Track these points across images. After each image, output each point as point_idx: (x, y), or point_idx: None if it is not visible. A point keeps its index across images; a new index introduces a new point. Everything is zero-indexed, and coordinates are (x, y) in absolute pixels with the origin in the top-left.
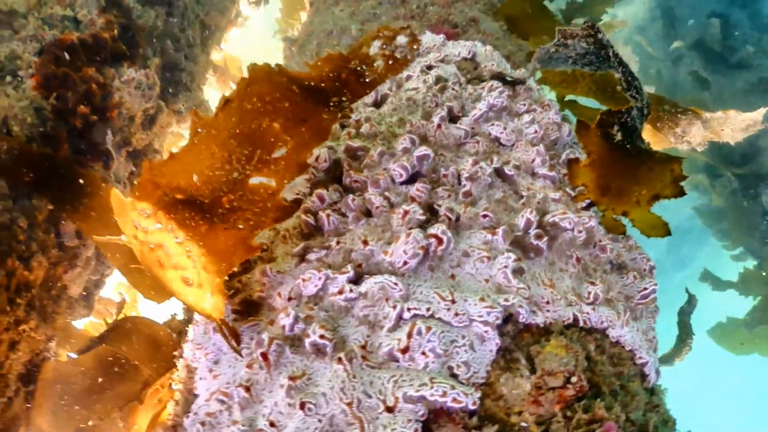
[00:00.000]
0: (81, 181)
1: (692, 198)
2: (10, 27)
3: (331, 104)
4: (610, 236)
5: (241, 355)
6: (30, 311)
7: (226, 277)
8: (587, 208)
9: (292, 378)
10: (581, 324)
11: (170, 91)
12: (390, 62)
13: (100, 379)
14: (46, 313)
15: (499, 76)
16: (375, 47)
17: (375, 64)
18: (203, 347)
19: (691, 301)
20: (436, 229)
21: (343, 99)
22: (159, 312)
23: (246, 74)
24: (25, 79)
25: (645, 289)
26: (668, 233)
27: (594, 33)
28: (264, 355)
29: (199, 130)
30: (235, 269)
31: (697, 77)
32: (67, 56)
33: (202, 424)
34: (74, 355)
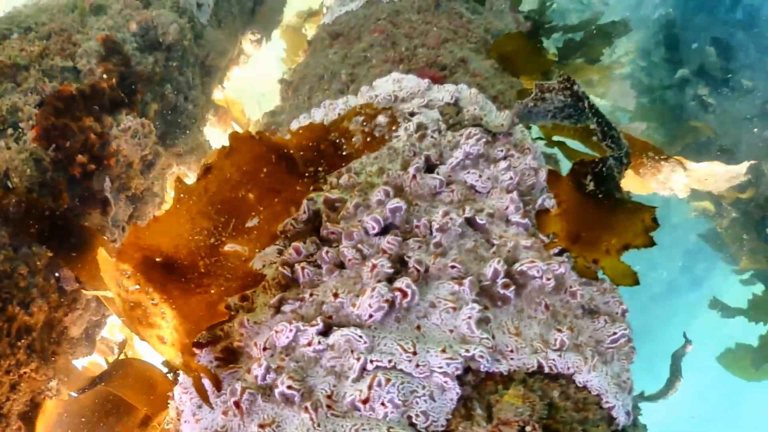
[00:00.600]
0: (80, 233)
1: (700, 223)
2: (13, 80)
3: (307, 174)
4: (582, 281)
5: (211, 406)
6: (31, 354)
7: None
8: (560, 253)
9: (261, 425)
10: (546, 370)
11: (170, 133)
12: (368, 139)
13: (98, 418)
14: (46, 355)
15: (479, 125)
16: (355, 123)
17: (353, 139)
18: (188, 392)
19: (686, 346)
20: (401, 282)
21: (320, 169)
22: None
23: (229, 141)
24: (26, 131)
25: (615, 333)
26: (637, 282)
27: (570, 86)
28: (236, 404)
29: (182, 195)
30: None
31: (701, 102)
32: (66, 107)
33: None
34: (75, 394)
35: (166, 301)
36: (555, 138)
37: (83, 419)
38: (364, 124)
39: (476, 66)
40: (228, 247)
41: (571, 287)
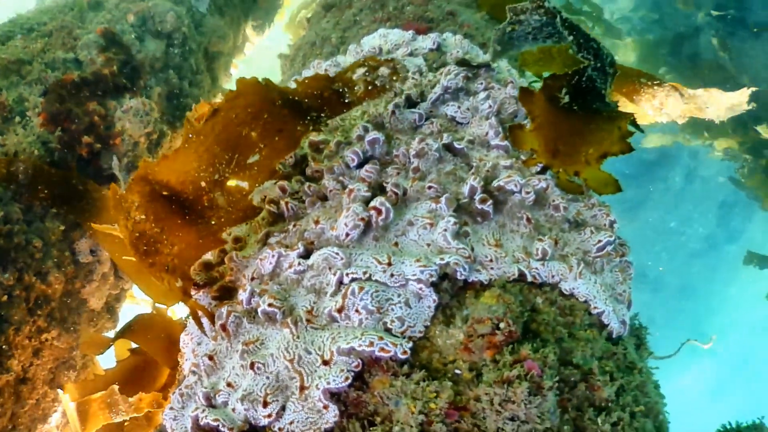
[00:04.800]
0: (89, 192)
1: (728, 167)
2: (18, 74)
3: (309, 118)
4: (569, 197)
5: (203, 331)
6: (51, 322)
7: (203, 270)
8: (542, 171)
9: (246, 343)
10: (530, 279)
11: (177, 117)
12: (369, 88)
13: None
14: (67, 324)
15: (464, 63)
16: (359, 73)
17: (356, 88)
18: (190, 333)
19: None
20: (376, 201)
21: (322, 114)
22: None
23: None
24: (32, 118)
25: (599, 241)
26: (619, 189)
27: (542, 4)
28: (223, 327)
29: (190, 135)
30: (213, 260)
31: (717, 44)
32: (70, 94)
33: (181, 395)
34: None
35: (170, 231)
36: (546, 75)
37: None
38: (367, 74)
39: (465, 18)
40: (231, 183)
41: (554, 201)
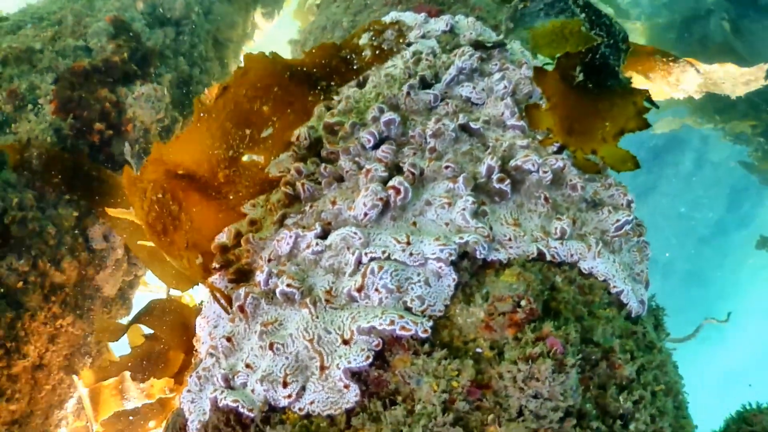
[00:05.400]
0: (102, 177)
1: (739, 151)
2: (29, 62)
3: (319, 88)
4: (586, 176)
5: (227, 310)
6: (65, 308)
7: (219, 252)
8: (559, 151)
9: (264, 324)
10: (549, 258)
11: (187, 103)
12: (377, 52)
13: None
14: (82, 310)
15: (478, 43)
16: (365, 39)
17: (363, 54)
18: (206, 317)
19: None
20: (395, 180)
21: (332, 83)
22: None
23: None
24: (44, 106)
25: (618, 221)
26: (637, 166)
27: None
28: (241, 308)
29: (202, 114)
30: (229, 243)
31: (727, 25)
32: (81, 81)
33: (198, 378)
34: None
35: (188, 206)
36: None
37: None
38: (373, 39)
39: (476, 1)
40: (245, 158)
41: (571, 180)
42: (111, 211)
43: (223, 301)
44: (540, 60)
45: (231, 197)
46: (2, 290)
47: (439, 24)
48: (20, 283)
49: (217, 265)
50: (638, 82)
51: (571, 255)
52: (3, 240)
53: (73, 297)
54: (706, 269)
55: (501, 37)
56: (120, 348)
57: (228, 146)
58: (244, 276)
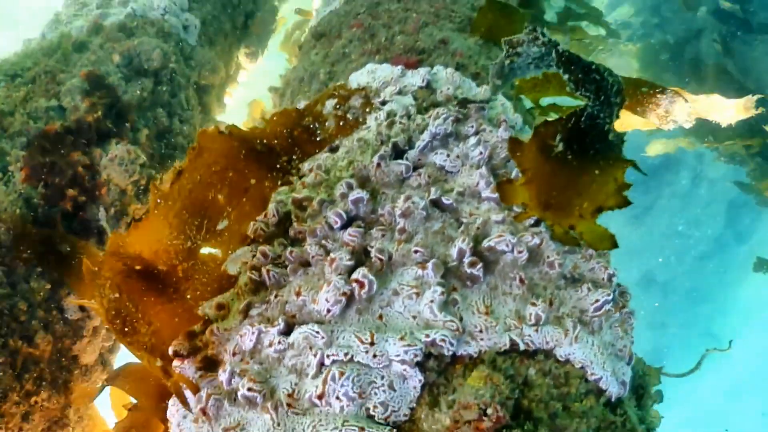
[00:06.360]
0: (72, 250)
1: (735, 170)
2: (0, 126)
3: (278, 166)
4: (565, 249)
5: (188, 408)
6: (41, 384)
7: (185, 339)
8: (536, 224)
9: (226, 429)
10: (522, 347)
11: (167, 155)
12: (341, 123)
13: None
14: (58, 383)
15: (465, 102)
16: (329, 106)
17: (327, 124)
18: (176, 404)
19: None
20: (358, 273)
21: (293, 157)
22: None
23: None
24: (14, 173)
25: (597, 300)
26: (615, 246)
27: (538, 35)
28: (203, 411)
29: (159, 201)
30: (197, 329)
31: (719, 46)
32: (52, 145)
33: None
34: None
35: (145, 309)
36: (546, 100)
37: None
38: (337, 107)
39: (458, 45)
40: (203, 251)
41: (548, 257)
42: (75, 302)
43: (188, 397)
44: (521, 108)
45: (188, 296)
46: None
47: (416, 79)
48: None
49: (184, 352)
50: (627, 117)
51: (547, 342)
52: None
53: (48, 371)
54: (706, 286)
55: (488, 95)
56: (104, 411)
57: (186, 237)
58: (212, 364)
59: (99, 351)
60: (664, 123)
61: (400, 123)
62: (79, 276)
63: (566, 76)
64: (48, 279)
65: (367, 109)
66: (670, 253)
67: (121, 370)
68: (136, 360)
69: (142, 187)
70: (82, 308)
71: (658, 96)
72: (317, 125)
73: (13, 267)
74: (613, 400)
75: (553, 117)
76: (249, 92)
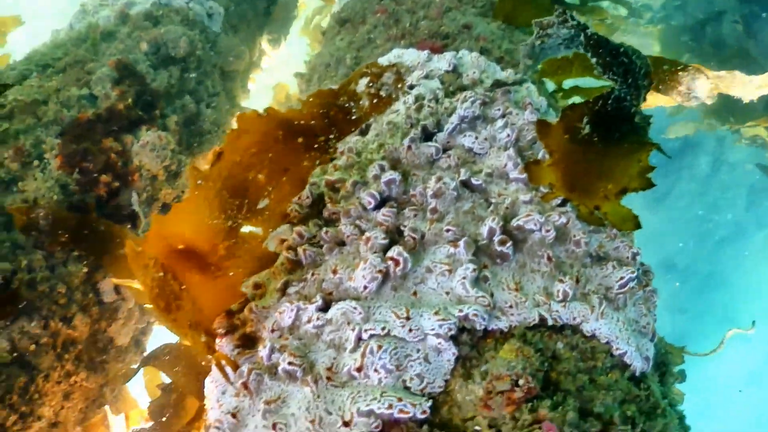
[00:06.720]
0: (110, 234)
1: (756, 153)
2: (34, 115)
3: (316, 145)
4: (590, 229)
5: (230, 381)
6: (79, 364)
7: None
8: (563, 204)
9: (267, 402)
10: (551, 323)
11: (195, 141)
12: (375, 101)
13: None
14: (95, 364)
15: (498, 83)
16: (362, 84)
17: (361, 102)
18: (214, 380)
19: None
20: (393, 251)
21: (331, 137)
22: None
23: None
24: (50, 161)
25: (621, 278)
26: (638, 226)
27: (568, 18)
28: (245, 385)
29: (199, 182)
30: (234, 308)
31: (741, 27)
32: (85, 133)
33: None
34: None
35: (189, 286)
36: (569, 82)
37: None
38: (370, 84)
39: (481, 30)
40: (244, 229)
41: (575, 236)
42: (119, 282)
43: (229, 371)
44: (545, 90)
45: (231, 273)
46: (15, 354)
47: (442, 63)
48: (33, 346)
49: (222, 330)
50: (650, 96)
51: (574, 318)
52: (13, 303)
53: (86, 352)
54: (726, 271)
55: (519, 75)
56: (137, 393)
57: (227, 216)
58: (249, 341)
59: (132, 333)
60: (686, 100)
61: (429, 107)
62: (116, 258)
63: (594, 60)
64: (84, 263)
65: (399, 85)
66: (689, 238)
67: (156, 351)
68: (169, 342)
69: (172, 172)
70: (117, 291)
71: (680, 73)
72: (352, 104)
73: (52, 251)
74: (637, 374)
75: (576, 99)
76: (270, 77)
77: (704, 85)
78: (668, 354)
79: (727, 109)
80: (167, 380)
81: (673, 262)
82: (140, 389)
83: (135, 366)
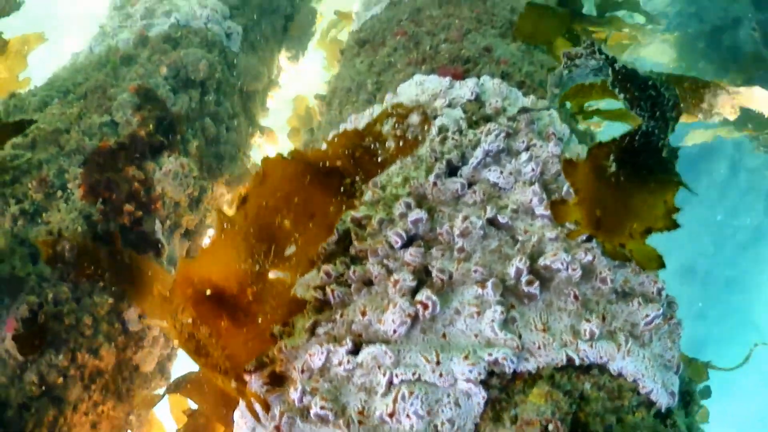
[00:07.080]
0: (137, 267)
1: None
2: (57, 144)
3: (342, 188)
4: (615, 264)
5: (260, 421)
6: (106, 394)
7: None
8: (588, 239)
9: None
10: (578, 362)
11: (216, 163)
12: (401, 143)
13: None
14: (121, 393)
15: (524, 110)
16: (387, 126)
17: (387, 144)
18: (244, 416)
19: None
20: (422, 295)
21: (356, 179)
22: None
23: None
24: (73, 191)
25: (647, 315)
26: (662, 266)
27: (596, 49)
28: (277, 428)
29: (225, 225)
30: None
31: (758, 34)
32: (108, 161)
33: None
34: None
35: (218, 333)
36: (590, 104)
37: None
38: (396, 126)
39: (502, 52)
40: (271, 275)
41: (600, 273)
42: (149, 322)
43: (258, 408)
44: (564, 113)
45: (260, 319)
46: (43, 388)
47: (464, 91)
48: (60, 379)
49: (251, 368)
50: None
51: (601, 357)
52: (41, 338)
53: (112, 381)
54: (745, 275)
55: (546, 103)
56: (161, 415)
57: (254, 261)
58: (277, 379)
59: (158, 359)
60: (708, 117)
61: (453, 139)
62: (141, 290)
63: (621, 95)
64: (110, 293)
65: (426, 127)
66: (708, 243)
67: (182, 378)
68: (193, 368)
69: (194, 198)
70: (141, 318)
71: (701, 90)
72: (378, 145)
73: (78, 283)
74: (663, 410)
75: (596, 120)
76: (287, 90)
77: (726, 101)
78: (692, 381)
79: (745, 116)
80: (193, 404)
81: (693, 267)
82: (164, 412)
83: (160, 391)
